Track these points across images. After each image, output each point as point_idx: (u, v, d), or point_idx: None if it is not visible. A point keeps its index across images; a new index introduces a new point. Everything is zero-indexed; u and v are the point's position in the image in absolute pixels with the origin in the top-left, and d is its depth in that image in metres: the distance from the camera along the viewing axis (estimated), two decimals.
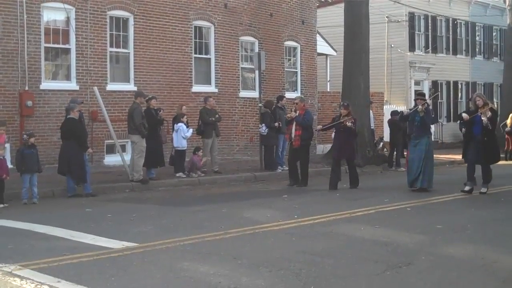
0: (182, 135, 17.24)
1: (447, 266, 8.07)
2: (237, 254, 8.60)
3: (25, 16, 17.33)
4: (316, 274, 7.59)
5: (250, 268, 7.84)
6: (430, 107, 16.53)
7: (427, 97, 17.96)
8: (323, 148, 25.12)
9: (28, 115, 17.37)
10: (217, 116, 18.49)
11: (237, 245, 9.20)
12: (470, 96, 36.06)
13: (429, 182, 15.19)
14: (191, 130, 17.59)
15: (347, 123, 15.76)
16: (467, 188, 14.58)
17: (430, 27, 34.76)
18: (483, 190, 14.59)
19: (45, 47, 17.97)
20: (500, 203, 13.65)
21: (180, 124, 17.35)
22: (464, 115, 14.80)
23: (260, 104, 19.74)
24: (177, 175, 17.25)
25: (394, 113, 22.49)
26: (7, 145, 15.64)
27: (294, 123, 16.37)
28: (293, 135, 16.43)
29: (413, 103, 33.14)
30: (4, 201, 12.93)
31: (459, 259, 8.47)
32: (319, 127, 17.92)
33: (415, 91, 15.89)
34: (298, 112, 16.57)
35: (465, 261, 8.37)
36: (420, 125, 15.21)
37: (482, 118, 14.12)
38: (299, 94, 25.09)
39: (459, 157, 25.92)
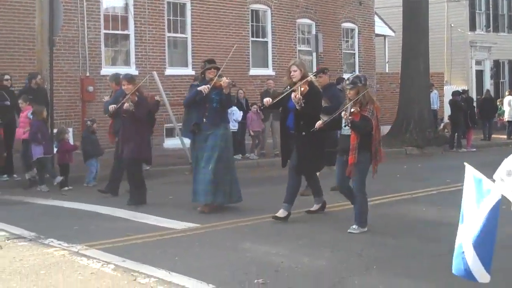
0: (233, 118, 17.11)
1: None
2: (297, 234, 8.62)
3: (85, 4, 17.60)
4: (377, 254, 7.55)
5: (311, 248, 7.85)
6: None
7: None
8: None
9: (89, 100, 17.69)
10: None
11: (297, 226, 9.22)
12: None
13: (232, 195, 10.53)
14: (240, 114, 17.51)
15: (125, 103, 10.67)
16: (280, 212, 9.42)
17: (491, 6, 33.93)
18: (313, 208, 10.15)
19: (104, 33, 18.25)
20: None
21: (234, 107, 17.31)
22: (265, 99, 9.60)
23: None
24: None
25: (455, 93, 22.23)
26: (70, 129, 15.98)
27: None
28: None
29: (474, 83, 32.43)
30: (68, 183, 13.22)
31: None
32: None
33: (208, 60, 11.62)
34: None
35: None
36: (220, 108, 10.51)
37: (293, 96, 9.29)
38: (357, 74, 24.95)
39: None
